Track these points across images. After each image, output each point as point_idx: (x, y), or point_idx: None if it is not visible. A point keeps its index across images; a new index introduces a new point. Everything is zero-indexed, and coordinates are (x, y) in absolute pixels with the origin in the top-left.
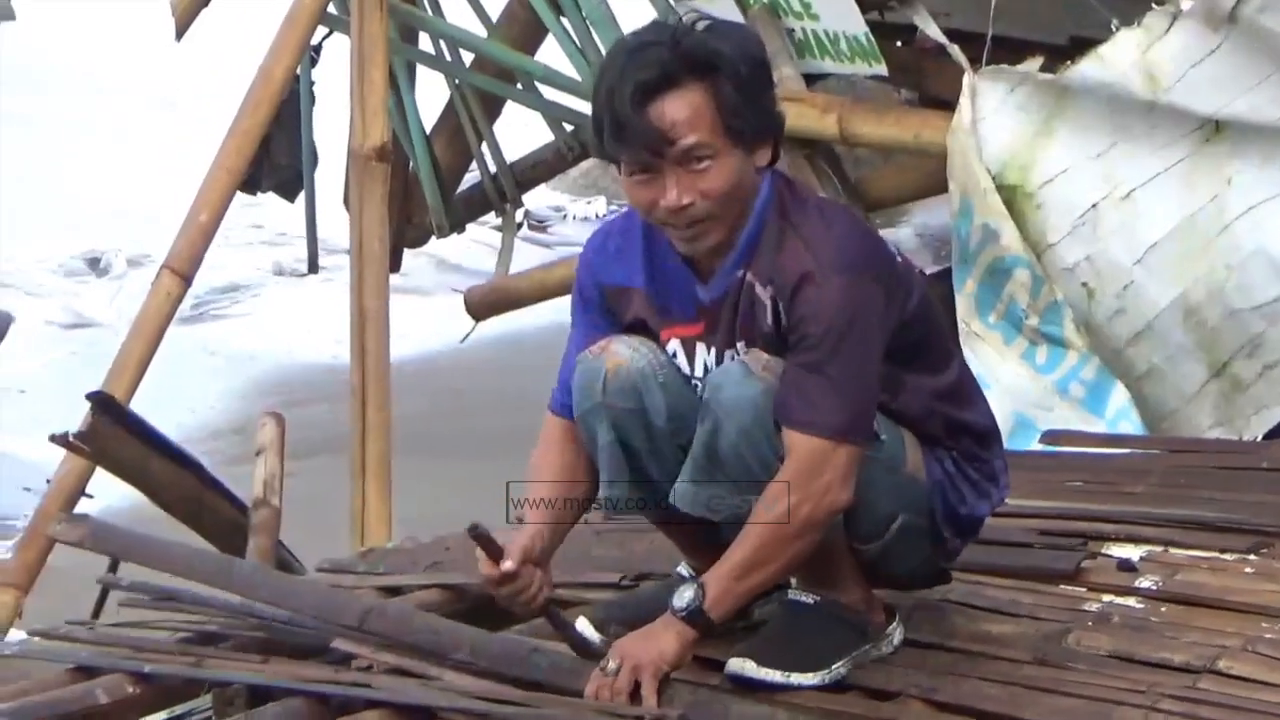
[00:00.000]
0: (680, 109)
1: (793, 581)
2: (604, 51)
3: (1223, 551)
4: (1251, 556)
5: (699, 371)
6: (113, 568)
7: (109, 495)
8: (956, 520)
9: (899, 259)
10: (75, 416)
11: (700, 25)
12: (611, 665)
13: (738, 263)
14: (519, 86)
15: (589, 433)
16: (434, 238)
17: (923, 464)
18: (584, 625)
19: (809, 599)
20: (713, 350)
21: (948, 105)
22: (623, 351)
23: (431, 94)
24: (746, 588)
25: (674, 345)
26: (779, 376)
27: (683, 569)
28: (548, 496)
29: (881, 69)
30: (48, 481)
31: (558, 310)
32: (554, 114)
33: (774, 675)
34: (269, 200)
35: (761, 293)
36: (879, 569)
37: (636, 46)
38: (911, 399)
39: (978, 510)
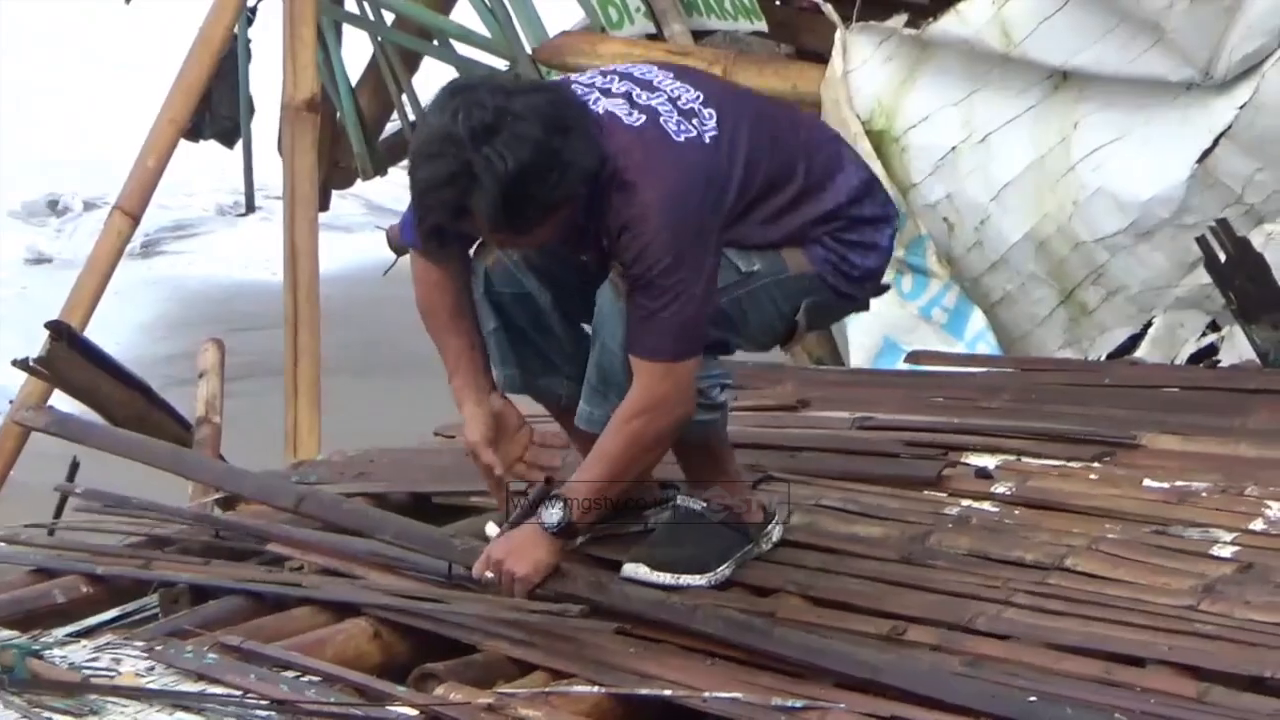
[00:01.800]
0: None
1: (681, 487)
2: (512, 12)
3: (1070, 460)
4: (1095, 464)
5: None
6: (70, 475)
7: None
8: (857, 280)
9: (714, 152)
10: (36, 343)
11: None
12: (489, 576)
13: (587, 223)
14: (435, 43)
15: (480, 321)
16: (359, 180)
17: (805, 258)
18: (495, 531)
19: (697, 505)
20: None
21: (821, 58)
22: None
23: (357, 50)
24: (605, 498)
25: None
26: None
27: None
28: (468, 367)
29: (762, 25)
30: (10, 402)
31: None
32: (467, 68)
33: (665, 578)
34: (210, 147)
35: (600, 234)
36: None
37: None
38: (770, 229)
39: (869, 263)
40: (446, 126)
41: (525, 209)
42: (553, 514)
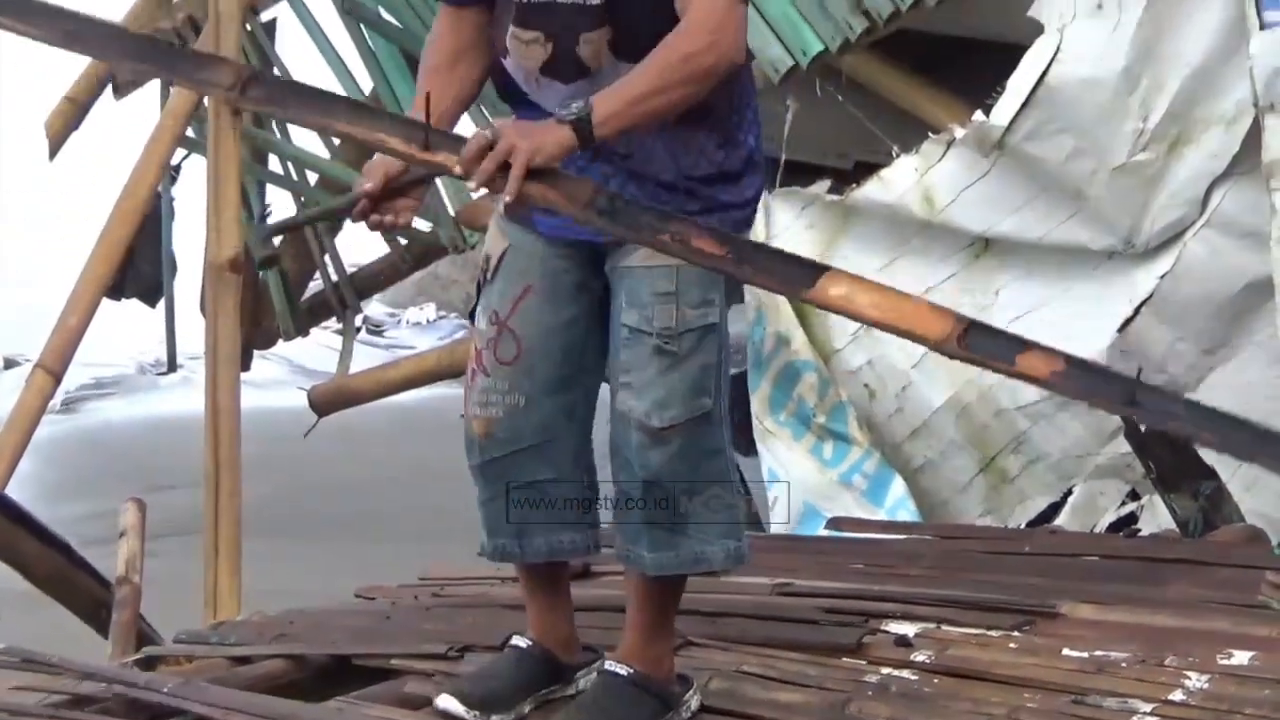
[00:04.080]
0: None
1: (604, 653)
2: None
3: (990, 629)
4: (1015, 633)
5: None
6: None
7: None
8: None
9: None
10: None
11: None
12: (490, 139)
13: None
14: None
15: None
16: (281, 340)
17: None
18: (446, 700)
19: (623, 670)
20: None
21: None
22: (479, 410)
23: (279, 209)
24: (632, 114)
25: None
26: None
27: (519, 640)
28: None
29: None
30: None
31: (394, 406)
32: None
33: None
34: (133, 305)
35: None
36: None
37: None
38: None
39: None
40: None
41: None
42: (575, 109)
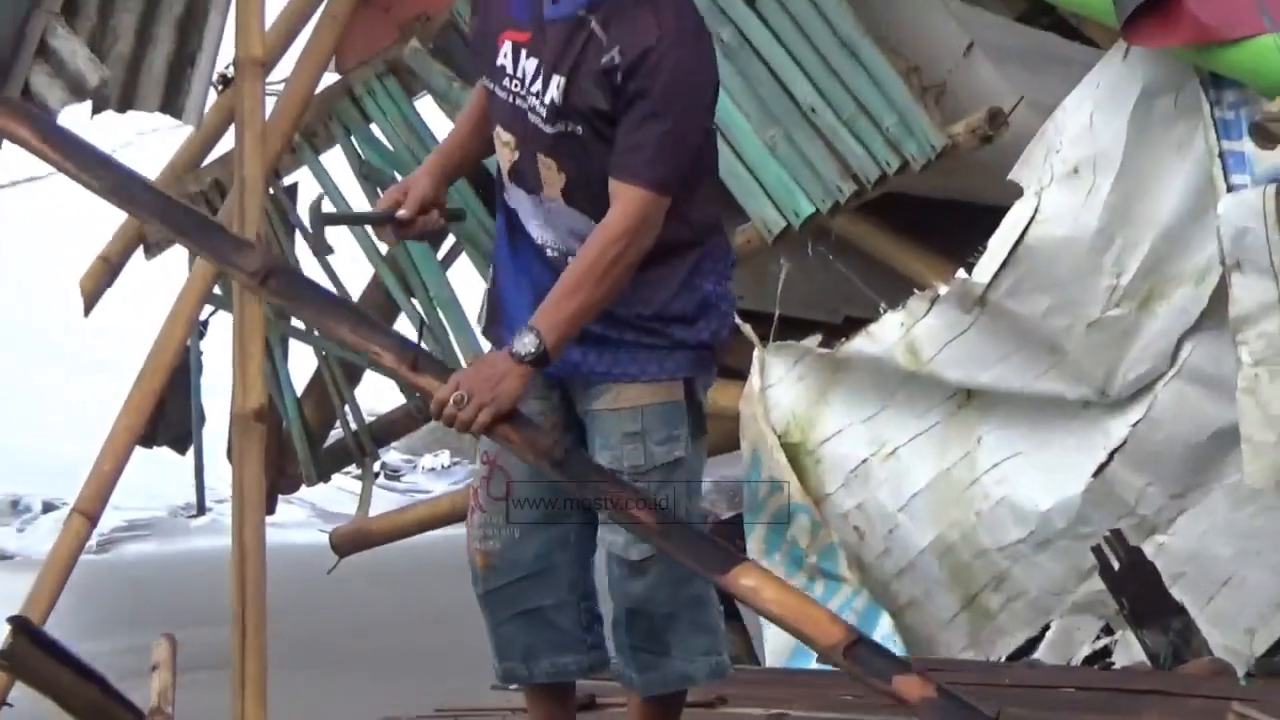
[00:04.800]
0: None
1: None
2: (449, 328)
3: None
4: None
5: (518, 74)
6: None
7: (24, 700)
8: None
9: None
10: None
11: None
12: (457, 395)
13: (589, 2)
14: None
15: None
16: (304, 485)
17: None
18: None
19: None
20: (534, 62)
21: (740, 375)
22: (479, 543)
23: (302, 363)
24: (576, 322)
25: (506, 47)
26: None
27: None
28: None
29: None
30: None
31: (411, 546)
32: (405, 384)
33: None
34: (164, 452)
35: (602, 35)
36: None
37: None
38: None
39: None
40: None
41: None
42: (525, 343)
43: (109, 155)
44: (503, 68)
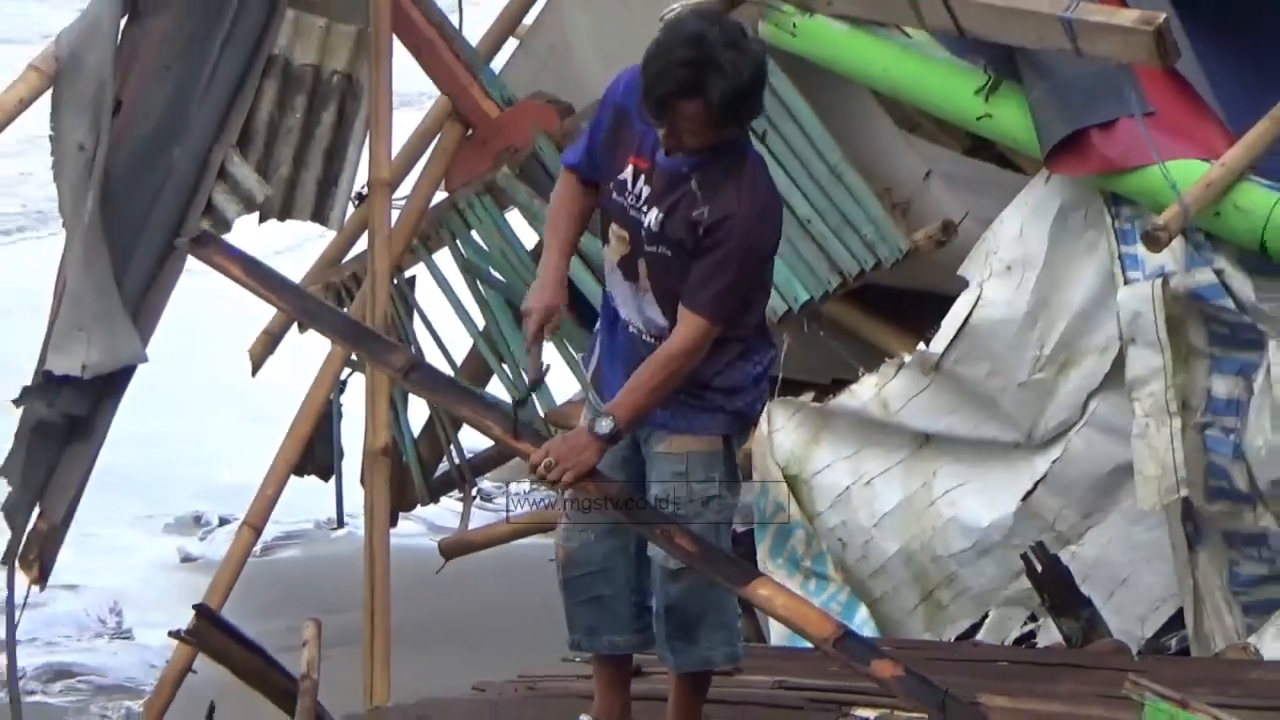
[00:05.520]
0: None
1: None
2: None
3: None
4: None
5: (635, 191)
6: (208, 715)
7: (205, 668)
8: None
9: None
10: (185, 618)
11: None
12: (548, 460)
13: (694, 164)
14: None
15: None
16: (419, 505)
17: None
18: None
19: None
20: (647, 189)
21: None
22: (563, 542)
23: (417, 411)
24: (643, 411)
25: (629, 169)
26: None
27: (586, 718)
28: (560, 241)
29: None
30: (166, 661)
31: (501, 552)
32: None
33: None
34: (312, 480)
35: (697, 193)
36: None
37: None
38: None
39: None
40: (701, 29)
41: (737, 108)
42: (604, 425)
43: (294, 282)
44: (624, 181)
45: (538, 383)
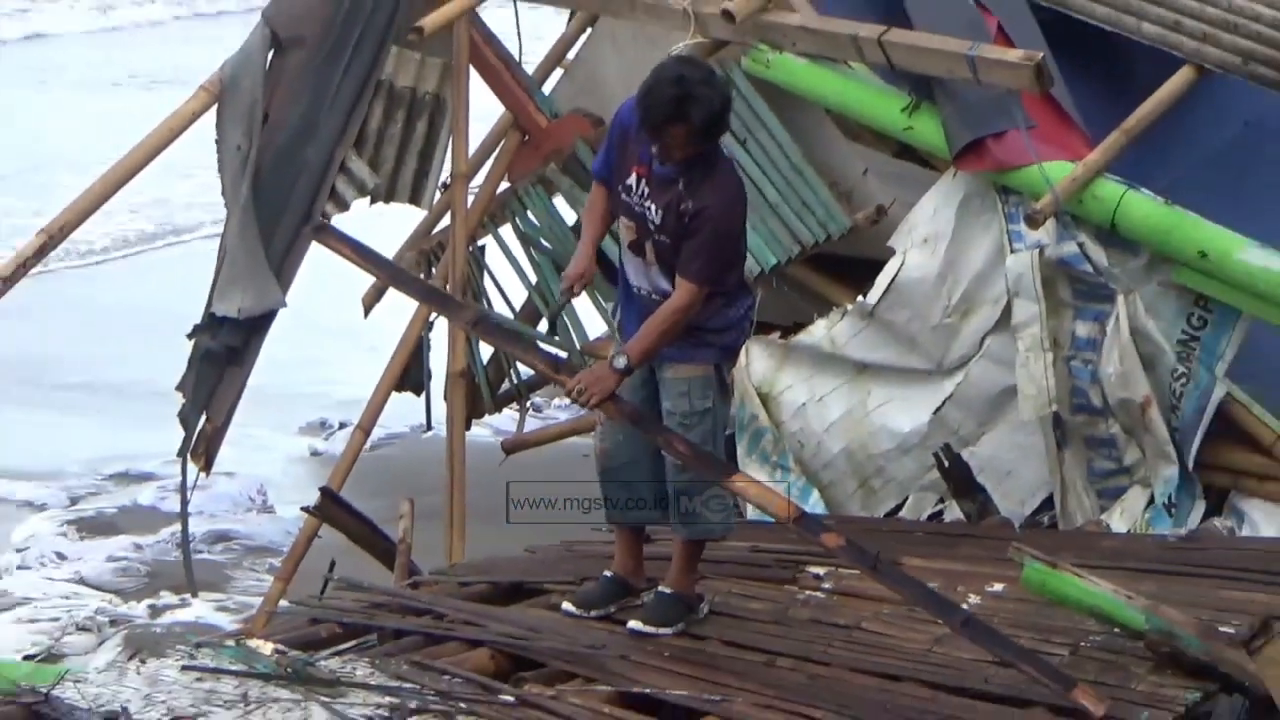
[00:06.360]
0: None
1: (659, 581)
2: (571, 329)
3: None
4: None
5: (640, 192)
6: (330, 568)
7: (328, 535)
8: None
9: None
10: (313, 498)
11: (681, 84)
12: (580, 386)
13: (680, 170)
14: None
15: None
16: (487, 414)
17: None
18: (568, 605)
19: (668, 590)
20: (647, 190)
21: None
22: (600, 442)
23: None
24: (650, 352)
25: (634, 176)
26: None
27: (609, 572)
28: (591, 231)
29: None
30: (299, 529)
31: (550, 448)
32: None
33: (649, 629)
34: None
35: (683, 192)
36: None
37: (654, 96)
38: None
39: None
40: (681, 71)
41: (711, 128)
42: (619, 361)
43: (389, 259)
44: (630, 185)
45: (558, 311)
